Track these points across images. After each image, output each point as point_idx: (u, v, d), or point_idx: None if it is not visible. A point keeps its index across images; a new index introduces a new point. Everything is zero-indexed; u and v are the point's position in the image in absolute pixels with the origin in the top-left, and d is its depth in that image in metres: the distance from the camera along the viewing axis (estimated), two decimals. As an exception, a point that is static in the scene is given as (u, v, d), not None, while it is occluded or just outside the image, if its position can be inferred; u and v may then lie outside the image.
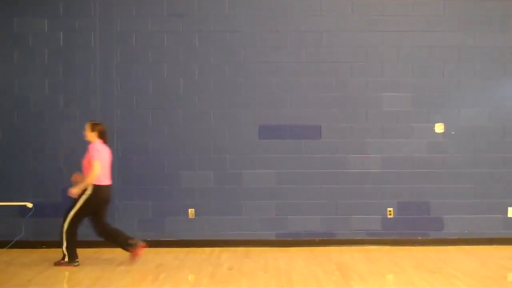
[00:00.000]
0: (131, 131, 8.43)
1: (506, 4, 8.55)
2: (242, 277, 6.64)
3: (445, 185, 8.42)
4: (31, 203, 8.34)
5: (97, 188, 7.18)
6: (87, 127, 7.41)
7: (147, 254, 7.85)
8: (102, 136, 7.43)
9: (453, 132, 8.47)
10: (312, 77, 8.48)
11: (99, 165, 7.14)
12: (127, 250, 7.37)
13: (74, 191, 7.17)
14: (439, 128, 8.48)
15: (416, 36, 8.52)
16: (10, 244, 8.24)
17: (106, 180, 7.34)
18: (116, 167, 8.36)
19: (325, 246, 8.33)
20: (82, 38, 8.46)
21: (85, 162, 7.33)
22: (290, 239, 8.43)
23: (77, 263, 7.24)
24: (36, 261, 7.53)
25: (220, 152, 8.43)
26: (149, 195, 8.41)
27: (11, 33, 8.45)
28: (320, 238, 8.43)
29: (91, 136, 7.39)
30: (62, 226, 7.23)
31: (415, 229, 8.43)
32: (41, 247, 8.30)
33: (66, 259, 7.22)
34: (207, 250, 8.15)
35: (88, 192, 7.15)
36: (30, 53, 8.44)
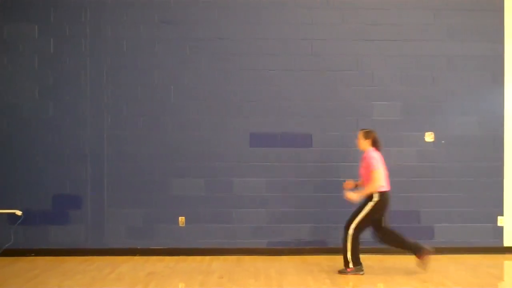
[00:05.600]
0: (121, 138, 8.39)
1: (495, 14, 8.63)
2: (233, 286, 6.62)
3: (435, 194, 8.46)
4: (20, 210, 8.28)
5: (383, 195, 7.14)
6: (360, 135, 7.40)
7: (137, 262, 7.84)
8: (375, 143, 7.37)
9: (443, 141, 8.52)
10: (303, 85, 8.50)
11: (380, 173, 7.08)
12: (416, 254, 7.26)
13: (353, 197, 7.15)
14: (429, 137, 8.52)
15: (406, 45, 8.58)
16: (-1, 251, 8.20)
17: (387, 186, 7.25)
18: (106, 174, 8.34)
19: (316, 254, 8.34)
20: (73, 44, 8.43)
21: (362, 170, 7.34)
22: (281, 247, 8.42)
23: (362, 272, 7.20)
24: (26, 269, 7.47)
25: (210, 160, 8.42)
26: (139, 203, 8.38)
27: (1, 39, 8.40)
28: (311, 247, 8.43)
29: (365, 144, 7.36)
30: (347, 233, 7.17)
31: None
32: (30, 255, 8.25)
33: (351, 265, 7.17)
34: (198, 258, 8.13)
35: (376, 199, 7.09)
36: (20, 59, 8.40)
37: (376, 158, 7.20)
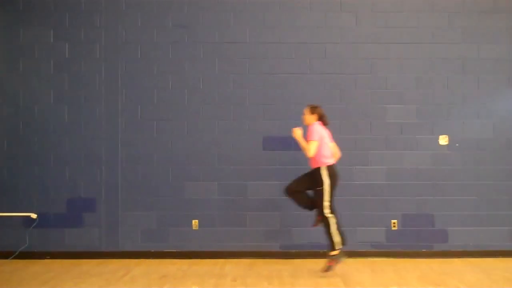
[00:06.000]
0: (135, 141, 8.44)
1: (510, 16, 8.57)
2: (246, 289, 6.65)
3: (449, 197, 8.41)
4: (36, 213, 8.34)
5: (330, 168, 7.20)
6: (306, 110, 7.44)
7: (151, 265, 7.87)
8: (321, 118, 7.43)
9: (457, 144, 8.47)
10: (316, 88, 8.50)
11: (315, 144, 7.14)
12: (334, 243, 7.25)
13: (297, 133, 7.30)
14: (443, 140, 8.48)
15: (420, 48, 8.54)
16: (14, 254, 8.25)
17: (331, 160, 7.30)
18: (120, 178, 8.39)
19: (329, 257, 8.32)
20: (88, 49, 8.50)
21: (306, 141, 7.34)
22: (294, 250, 8.41)
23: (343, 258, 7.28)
24: (41, 272, 7.53)
25: (224, 163, 8.44)
26: (153, 206, 8.41)
27: (17, 44, 8.50)
28: (324, 250, 8.38)
29: (310, 118, 7.41)
30: (326, 224, 7.22)
31: (419, 241, 8.41)
32: (45, 258, 8.30)
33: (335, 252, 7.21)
34: (211, 261, 8.14)
35: (325, 174, 7.16)
36: (36, 63, 8.48)
37: (317, 131, 7.22)
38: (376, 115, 8.49)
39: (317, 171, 7.23)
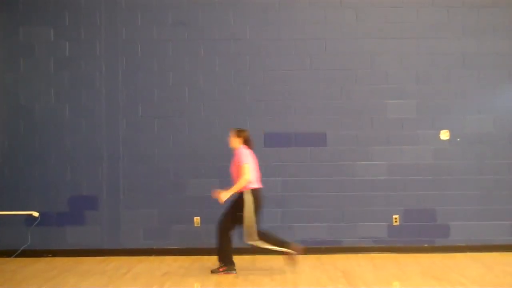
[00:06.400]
0: (136, 139, 8.44)
1: (510, 10, 8.56)
2: (248, 285, 6.65)
3: (451, 192, 8.41)
4: (37, 212, 8.36)
5: (254, 192, 7.14)
6: (232, 133, 7.41)
7: (153, 262, 7.88)
8: (247, 142, 7.39)
9: (458, 139, 8.46)
10: (317, 84, 8.50)
11: (249, 167, 7.10)
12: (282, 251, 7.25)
13: (223, 195, 7.09)
14: (444, 135, 8.48)
15: (420, 43, 8.54)
16: (17, 253, 8.27)
17: (256, 184, 7.25)
18: (121, 175, 8.40)
19: (331, 253, 8.32)
20: (88, 47, 8.51)
21: (233, 168, 7.31)
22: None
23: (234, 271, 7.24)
24: (43, 270, 7.54)
25: (225, 160, 8.38)
26: (155, 203, 8.42)
27: (17, 42, 8.50)
28: (326, 246, 8.41)
29: (236, 142, 7.37)
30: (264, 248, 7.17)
31: (421, 236, 8.41)
32: (47, 256, 8.32)
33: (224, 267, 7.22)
34: (213, 258, 8.08)
35: (249, 198, 7.09)
36: (36, 62, 8.49)
37: (246, 154, 7.18)
38: (376, 111, 8.49)
39: (240, 195, 7.14)
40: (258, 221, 7.19)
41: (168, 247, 8.39)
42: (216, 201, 8.30)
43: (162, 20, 8.53)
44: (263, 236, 7.16)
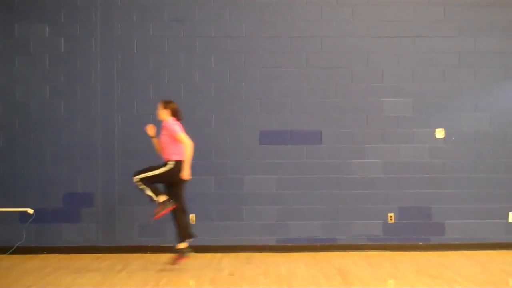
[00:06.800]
0: (132, 136, 8.42)
1: (506, 9, 8.57)
2: (243, 283, 6.63)
3: (446, 190, 8.42)
4: (32, 209, 8.33)
5: (178, 164, 7.17)
6: (160, 105, 7.39)
7: (148, 260, 7.87)
8: (175, 114, 7.39)
9: (454, 138, 8.47)
10: (313, 82, 8.49)
11: (184, 135, 7.13)
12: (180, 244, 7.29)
13: (185, 174, 7.17)
14: (440, 133, 8.48)
15: (416, 41, 8.54)
16: (11, 250, 8.23)
17: (180, 157, 7.23)
18: (116, 172, 8.38)
19: (326, 251, 8.32)
20: (83, 43, 8.48)
21: (163, 138, 7.25)
22: (291, 244, 8.42)
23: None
24: (37, 267, 7.51)
25: (221, 158, 8.44)
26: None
27: (12, 39, 8.47)
28: (321, 244, 8.42)
29: (164, 113, 7.35)
30: (137, 184, 7.14)
31: (416, 234, 8.43)
32: (42, 253, 8.30)
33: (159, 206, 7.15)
34: (208, 255, 8.14)
35: (171, 166, 7.14)
36: (31, 59, 8.46)
37: (176, 125, 7.22)
38: (372, 109, 8.49)
39: (164, 163, 7.22)
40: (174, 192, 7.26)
41: (163, 244, 8.36)
42: (211, 199, 8.36)
43: (158, 17, 8.51)
44: (155, 190, 7.16)
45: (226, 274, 7.05)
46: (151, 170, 7.14)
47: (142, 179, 7.08)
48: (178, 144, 7.19)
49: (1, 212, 8.30)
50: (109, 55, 8.48)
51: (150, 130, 7.42)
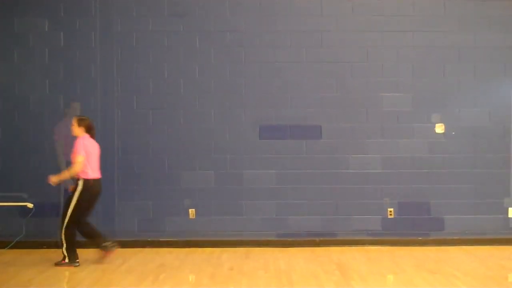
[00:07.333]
0: (131, 131, 8.42)
1: (506, 4, 8.55)
2: (243, 277, 6.63)
3: (445, 185, 8.42)
4: (32, 203, 8.33)
5: (88, 183, 7.19)
6: (74, 122, 7.36)
7: (148, 254, 7.88)
8: (89, 131, 7.39)
9: (453, 132, 8.47)
10: (313, 77, 8.49)
11: (80, 158, 7.11)
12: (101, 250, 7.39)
13: (54, 179, 7.30)
14: (439, 128, 8.48)
15: (416, 36, 8.52)
16: (11, 244, 8.22)
17: (94, 174, 7.31)
18: (116, 167, 8.38)
19: (326, 246, 8.33)
20: (83, 38, 8.46)
21: (72, 156, 7.28)
22: (290, 239, 8.42)
23: (77, 264, 7.22)
24: (37, 261, 7.52)
25: (220, 152, 8.43)
26: (150, 195, 8.41)
27: (12, 33, 8.45)
28: (321, 238, 8.43)
29: (78, 130, 7.34)
30: (61, 228, 7.23)
31: (415, 229, 8.44)
32: (41, 247, 8.28)
33: (67, 260, 7.21)
34: (208, 250, 8.15)
35: (80, 188, 7.17)
36: (31, 53, 8.44)
37: (83, 145, 7.20)
38: (372, 104, 8.48)
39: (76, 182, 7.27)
40: (86, 212, 7.32)
41: (163, 239, 8.39)
42: (210, 193, 8.37)
43: (158, 12, 8.49)
44: (80, 229, 7.32)
45: (226, 269, 7.06)
46: (66, 212, 7.21)
47: (66, 233, 7.22)
48: (90, 161, 7.24)
49: (0, 207, 8.30)
50: (108, 49, 8.47)
51: (52, 181, 7.38)
